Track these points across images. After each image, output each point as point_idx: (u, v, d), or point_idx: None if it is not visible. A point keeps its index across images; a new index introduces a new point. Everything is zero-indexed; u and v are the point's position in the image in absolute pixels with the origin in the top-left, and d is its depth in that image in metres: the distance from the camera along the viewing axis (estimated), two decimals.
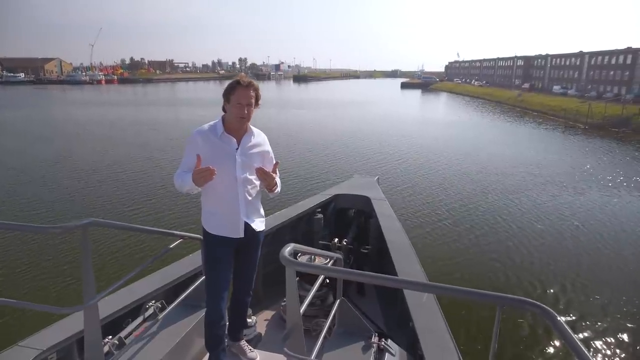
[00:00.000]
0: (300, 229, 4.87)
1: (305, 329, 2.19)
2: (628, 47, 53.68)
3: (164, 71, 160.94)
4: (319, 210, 5.10)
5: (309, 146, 20.20)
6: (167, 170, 14.39)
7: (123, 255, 8.16)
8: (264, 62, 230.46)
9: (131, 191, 12.67)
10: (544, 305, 1.36)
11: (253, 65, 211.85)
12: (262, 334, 3.50)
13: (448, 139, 24.10)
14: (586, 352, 1.23)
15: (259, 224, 2.70)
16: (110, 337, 2.55)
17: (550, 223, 10.55)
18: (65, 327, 2.50)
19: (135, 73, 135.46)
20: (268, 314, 4.06)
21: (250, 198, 2.61)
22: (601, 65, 57.87)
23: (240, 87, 2.46)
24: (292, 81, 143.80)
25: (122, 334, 2.64)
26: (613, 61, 55.31)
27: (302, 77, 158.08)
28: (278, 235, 4.34)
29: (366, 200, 5.28)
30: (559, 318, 1.32)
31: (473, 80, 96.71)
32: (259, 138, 2.65)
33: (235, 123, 2.51)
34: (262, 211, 2.77)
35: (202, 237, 2.71)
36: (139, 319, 2.85)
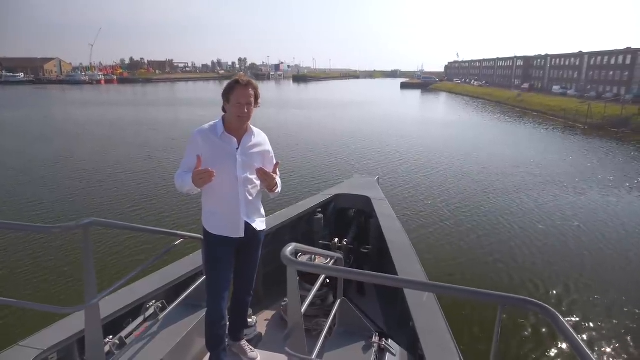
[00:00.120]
0: (301, 228, 4.87)
1: (305, 328, 2.19)
2: (627, 48, 53.73)
3: (164, 71, 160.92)
4: (319, 210, 5.10)
5: (309, 146, 20.20)
6: (168, 170, 14.39)
7: (123, 255, 8.16)
8: (263, 62, 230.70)
9: (131, 191, 12.66)
10: (545, 305, 1.36)
11: (253, 65, 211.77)
12: (263, 334, 3.50)
13: (448, 139, 24.10)
14: (588, 351, 1.22)
15: (259, 224, 2.70)
16: (111, 336, 2.55)
17: (551, 223, 10.54)
18: (66, 327, 2.50)
19: (134, 73, 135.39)
20: (268, 313, 4.06)
21: (250, 198, 2.61)
22: (600, 65, 57.90)
23: (239, 86, 2.46)
24: (291, 81, 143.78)
25: (123, 333, 2.64)
26: (612, 61, 55.35)
27: (301, 77, 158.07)
28: (278, 235, 4.34)
29: (366, 200, 5.28)
30: (560, 317, 1.32)
31: (473, 81, 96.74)
32: (259, 138, 2.65)
33: (235, 123, 2.51)
34: (262, 211, 2.77)
35: (202, 237, 2.71)
36: (140, 319, 2.85)
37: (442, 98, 68.55)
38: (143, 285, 3.06)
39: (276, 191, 2.61)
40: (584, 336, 6.09)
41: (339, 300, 2.74)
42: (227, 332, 2.77)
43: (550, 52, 75.47)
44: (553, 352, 5.70)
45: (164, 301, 3.05)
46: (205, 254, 2.73)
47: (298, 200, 5.66)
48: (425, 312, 2.90)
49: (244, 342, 2.94)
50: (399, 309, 3.51)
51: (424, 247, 8.68)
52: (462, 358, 2.43)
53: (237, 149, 2.53)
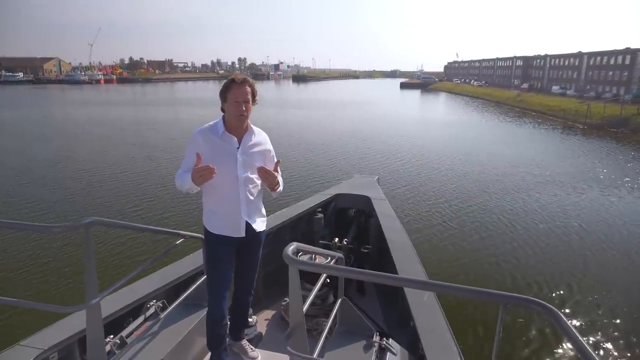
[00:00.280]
0: (301, 228, 4.87)
1: (306, 328, 2.19)
2: (627, 48, 53.76)
3: (163, 71, 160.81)
4: (320, 209, 5.10)
5: (309, 146, 20.20)
6: (168, 170, 14.37)
7: (124, 254, 8.15)
8: (263, 62, 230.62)
9: (132, 191, 12.66)
10: (547, 304, 1.36)
11: (252, 65, 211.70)
12: (263, 334, 3.50)
13: (448, 139, 24.11)
14: (590, 350, 1.22)
15: (260, 224, 2.70)
16: (112, 336, 2.55)
17: (553, 223, 10.53)
18: (67, 326, 2.50)
19: (134, 73, 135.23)
20: (268, 313, 4.07)
21: (251, 197, 2.61)
22: (600, 65, 57.93)
23: (235, 85, 2.46)
24: (291, 81, 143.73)
25: (124, 333, 2.64)
26: (612, 61, 55.37)
27: (301, 77, 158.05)
28: (278, 235, 4.35)
29: (366, 200, 5.29)
30: (562, 317, 1.32)
31: (472, 81, 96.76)
32: (259, 137, 2.65)
33: (235, 122, 2.51)
34: (263, 211, 2.77)
35: (203, 237, 2.71)
36: (140, 319, 2.85)
37: (441, 98, 68.58)
38: (144, 284, 3.06)
39: (278, 190, 2.60)
40: (587, 336, 6.08)
41: (339, 300, 2.74)
42: (227, 331, 2.77)
43: (550, 52, 75.64)
44: (554, 352, 5.69)
45: (164, 301, 3.05)
46: (206, 253, 2.73)
47: (298, 200, 5.66)
48: (426, 311, 2.90)
49: (244, 342, 2.94)
50: (400, 309, 3.51)
51: (424, 247, 8.69)
52: (462, 357, 2.43)
53: (238, 148, 2.54)
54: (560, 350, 5.70)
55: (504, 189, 13.60)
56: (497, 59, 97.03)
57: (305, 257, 3.53)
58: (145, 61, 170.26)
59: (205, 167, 2.27)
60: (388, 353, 2.59)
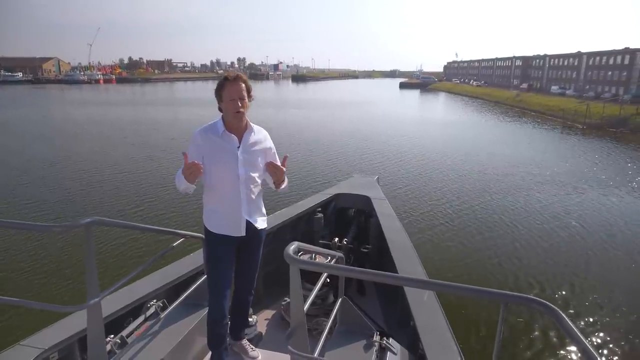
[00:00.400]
0: (301, 228, 4.87)
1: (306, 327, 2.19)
2: (626, 48, 53.78)
3: (163, 71, 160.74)
4: (319, 209, 5.10)
5: (308, 146, 20.20)
6: (168, 169, 14.36)
7: (124, 254, 8.15)
8: (262, 62, 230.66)
9: (132, 191, 12.65)
10: (548, 303, 1.36)
11: (252, 65, 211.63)
12: (263, 333, 3.50)
13: (447, 138, 24.12)
14: (592, 350, 1.22)
15: (260, 223, 2.70)
16: (112, 336, 2.55)
17: (555, 223, 10.52)
18: (67, 326, 2.50)
19: (133, 73, 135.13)
20: (268, 313, 4.07)
21: (252, 196, 2.61)
22: (599, 65, 57.96)
23: (229, 82, 2.47)
24: (290, 81, 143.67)
25: (124, 333, 2.64)
26: (611, 61, 55.40)
27: (300, 77, 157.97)
28: (278, 235, 4.35)
29: (366, 200, 5.29)
30: (564, 316, 1.32)
31: (471, 80, 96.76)
32: (259, 135, 2.65)
33: (233, 120, 2.51)
34: (263, 210, 2.77)
35: (203, 236, 2.71)
36: (141, 318, 2.85)
37: (441, 98, 68.60)
38: (144, 284, 3.06)
39: (283, 186, 2.60)
40: (589, 335, 6.07)
41: (340, 300, 2.74)
42: (228, 331, 2.77)
43: (549, 52, 75.69)
44: (556, 352, 5.68)
45: (165, 300, 3.05)
46: (206, 253, 2.73)
47: (298, 199, 5.66)
48: (426, 310, 2.90)
49: (245, 341, 2.94)
50: (400, 308, 3.52)
51: (426, 247, 8.70)
52: (462, 356, 2.43)
53: (238, 147, 2.54)
54: (561, 350, 5.69)
55: (505, 188, 13.60)
56: (496, 59, 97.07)
57: (305, 257, 3.53)
58: (145, 61, 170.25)
59: (192, 163, 2.28)
60: (388, 352, 2.59)
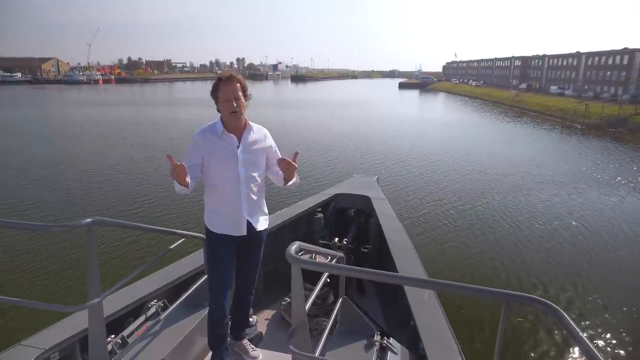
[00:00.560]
0: (301, 228, 4.88)
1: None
2: (625, 48, 53.86)
3: (162, 71, 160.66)
4: (319, 209, 5.11)
5: (308, 146, 20.18)
6: (168, 170, 14.16)
7: (125, 254, 8.15)
8: (261, 62, 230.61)
9: (132, 191, 12.64)
10: (550, 303, 1.36)
11: (251, 65, 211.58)
12: (263, 333, 3.50)
13: (447, 139, 24.13)
14: (594, 349, 1.23)
15: (262, 222, 2.70)
16: (113, 336, 2.55)
17: (557, 223, 10.51)
18: (68, 326, 2.50)
19: (132, 73, 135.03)
20: (268, 313, 4.07)
21: (253, 196, 2.61)
22: (598, 65, 58.03)
23: (223, 83, 2.46)
24: (289, 81, 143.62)
25: (125, 333, 2.64)
26: (610, 62, 55.47)
27: (299, 77, 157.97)
28: (278, 235, 4.35)
29: (366, 200, 5.29)
30: (566, 315, 1.32)
31: (471, 81, 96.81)
32: (259, 134, 2.64)
33: (230, 120, 2.50)
34: (265, 209, 2.77)
35: (204, 236, 2.71)
36: (141, 318, 2.85)
37: (440, 98, 68.62)
38: (145, 284, 3.06)
39: (291, 182, 2.55)
40: (591, 335, 6.05)
41: (340, 299, 2.74)
42: (228, 331, 2.77)
43: (548, 52, 75.81)
44: (558, 352, 5.67)
45: (165, 300, 3.05)
46: (207, 252, 2.73)
47: (298, 199, 5.66)
48: (426, 310, 2.91)
49: (245, 341, 2.94)
50: (400, 308, 3.52)
51: (428, 248, 8.69)
52: (463, 356, 2.43)
53: (238, 146, 2.54)
54: (563, 351, 5.68)
55: (506, 188, 13.60)
56: (496, 59, 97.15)
57: (306, 257, 3.54)
58: (144, 61, 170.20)
59: (176, 165, 2.26)
60: (389, 352, 2.60)
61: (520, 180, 14.80)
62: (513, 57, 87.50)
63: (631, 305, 6.88)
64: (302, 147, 19.74)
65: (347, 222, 5.46)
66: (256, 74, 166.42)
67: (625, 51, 53.19)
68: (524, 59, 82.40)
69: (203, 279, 3.03)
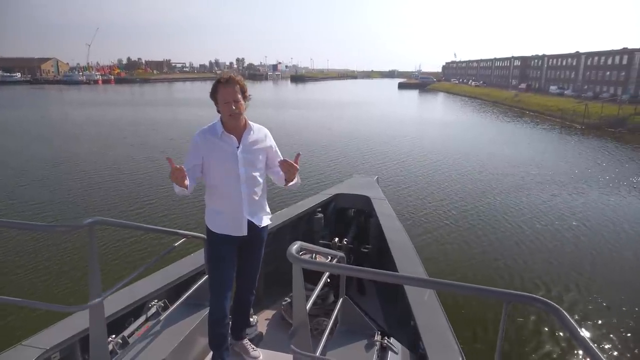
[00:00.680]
0: (301, 228, 4.88)
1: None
2: (624, 48, 53.89)
3: (161, 71, 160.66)
4: (319, 209, 5.11)
5: (308, 146, 20.18)
6: (167, 170, 14.14)
7: (126, 254, 8.16)
8: (261, 63, 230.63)
9: (132, 192, 12.63)
10: (551, 302, 1.36)
11: (250, 65, 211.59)
12: (263, 333, 3.50)
13: (446, 139, 24.14)
14: (594, 348, 1.23)
15: (263, 222, 2.71)
16: (114, 336, 2.55)
17: (558, 223, 10.51)
18: (69, 326, 2.50)
19: (132, 73, 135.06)
20: (269, 313, 4.07)
21: (253, 196, 2.61)
22: (597, 65, 58.05)
23: (222, 85, 2.46)
24: (289, 81, 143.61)
25: (126, 333, 2.65)
26: (609, 62, 55.49)
27: (299, 77, 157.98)
28: (278, 235, 4.35)
29: (366, 200, 5.30)
30: (567, 315, 1.32)
31: (470, 81, 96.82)
32: (259, 134, 2.64)
33: (229, 122, 2.51)
34: (267, 208, 2.77)
35: (205, 236, 2.71)
36: (142, 318, 2.85)
37: (439, 98, 68.63)
38: (145, 284, 3.06)
39: (292, 183, 2.56)
40: (592, 335, 6.05)
41: (341, 299, 2.75)
42: (229, 331, 2.77)
43: (548, 53, 75.82)
44: (559, 352, 5.67)
45: (166, 300, 3.06)
46: (207, 253, 2.73)
47: (298, 199, 5.67)
48: (427, 310, 2.91)
49: (246, 341, 2.94)
50: (400, 308, 3.52)
51: (429, 248, 8.69)
52: (463, 356, 2.44)
53: (238, 147, 2.54)
54: (565, 350, 5.68)
55: (506, 188, 13.60)
56: (495, 59, 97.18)
57: (306, 257, 3.54)
58: (143, 61, 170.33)
59: (175, 168, 2.28)
60: (389, 352, 2.60)
61: (520, 180, 14.81)
62: (512, 57, 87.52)
63: (633, 305, 6.87)
64: (302, 148, 19.75)
65: (347, 222, 5.46)
66: (256, 74, 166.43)
67: (624, 51, 53.21)
68: (523, 59, 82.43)
69: (204, 279, 3.03)
